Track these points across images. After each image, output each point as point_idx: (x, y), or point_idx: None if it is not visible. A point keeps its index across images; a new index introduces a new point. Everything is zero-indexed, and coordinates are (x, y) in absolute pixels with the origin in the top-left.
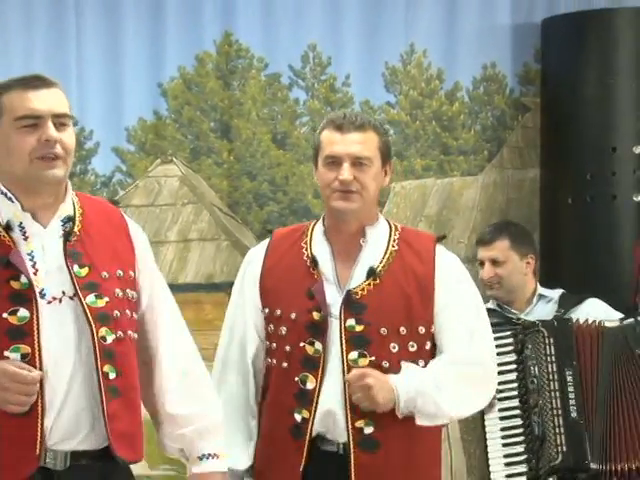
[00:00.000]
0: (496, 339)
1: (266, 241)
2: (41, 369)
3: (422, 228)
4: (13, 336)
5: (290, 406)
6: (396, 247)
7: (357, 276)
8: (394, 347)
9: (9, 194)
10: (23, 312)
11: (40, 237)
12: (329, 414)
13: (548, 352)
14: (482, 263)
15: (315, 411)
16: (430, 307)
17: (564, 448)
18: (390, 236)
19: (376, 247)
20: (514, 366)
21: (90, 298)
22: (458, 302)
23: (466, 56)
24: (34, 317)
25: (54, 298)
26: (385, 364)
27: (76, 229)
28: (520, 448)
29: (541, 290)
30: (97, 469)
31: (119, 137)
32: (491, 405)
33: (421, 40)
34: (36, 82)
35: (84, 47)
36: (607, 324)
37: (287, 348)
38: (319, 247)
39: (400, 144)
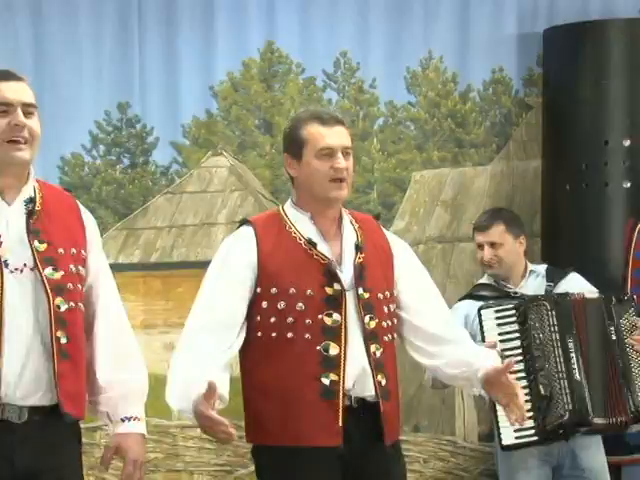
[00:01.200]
0: (499, 311)
1: (248, 229)
2: (1, 332)
3: (439, 212)
4: None
5: (315, 372)
6: (357, 225)
7: (347, 252)
8: (385, 309)
9: None
10: None
11: (5, 214)
12: (358, 374)
13: (551, 322)
14: (481, 246)
15: (344, 373)
16: (392, 273)
17: (570, 406)
18: (349, 217)
19: (348, 227)
20: (517, 334)
21: (48, 270)
22: (415, 267)
23: (477, 61)
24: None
25: (16, 269)
26: (384, 324)
27: (37, 209)
28: (527, 406)
29: (531, 267)
30: (49, 424)
31: (176, 133)
32: None
33: (438, 48)
34: (6, 75)
35: (146, 55)
36: (589, 295)
37: (307, 321)
38: (307, 230)
39: (420, 138)
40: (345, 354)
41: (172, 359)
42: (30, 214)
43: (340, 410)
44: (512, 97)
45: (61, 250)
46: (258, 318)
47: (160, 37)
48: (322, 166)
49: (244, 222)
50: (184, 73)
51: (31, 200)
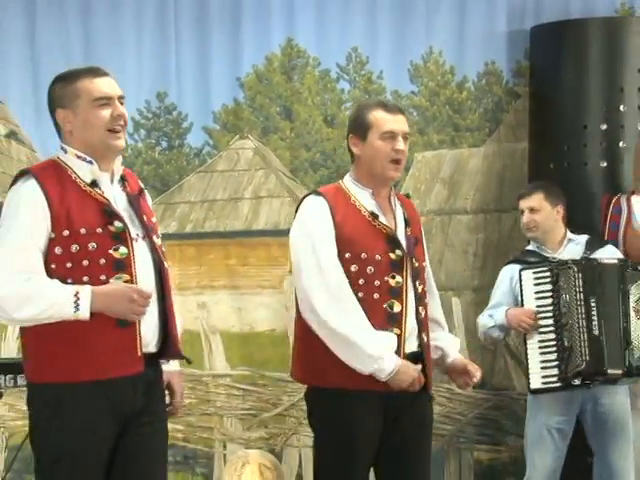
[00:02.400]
0: (536, 272)
1: (321, 200)
2: None
3: (438, 189)
4: (117, 267)
5: (382, 327)
6: (399, 202)
7: (400, 225)
8: (425, 276)
9: (88, 158)
10: (123, 249)
11: (112, 192)
12: (411, 330)
13: (577, 284)
14: (522, 212)
15: (405, 329)
16: (424, 244)
17: (587, 357)
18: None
19: (396, 202)
20: (550, 294)
21: (154, 238)
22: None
23: (472, 55)
24: (131, 253)
25: (135, 238)
26: (425, 289)
27: (127, 187)
28: (553, 356)
29: (570, 235)
30: (154, 369)
31: (207, 119)
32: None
33: (437, 43)
34: (98, 71)
35: (181, 50)
36: (607, 261)
37: (376, 282)
38: (369, 204)
39: (421, 123)
40: (406, 311)
41: (339, 328)
42: (140, 192)
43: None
44: (503, 87)
45: (153, 219)
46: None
47: (194, 34)
48: (384, 147)
49: (313, 193)
50: (214, 66)
51: (122, 178)
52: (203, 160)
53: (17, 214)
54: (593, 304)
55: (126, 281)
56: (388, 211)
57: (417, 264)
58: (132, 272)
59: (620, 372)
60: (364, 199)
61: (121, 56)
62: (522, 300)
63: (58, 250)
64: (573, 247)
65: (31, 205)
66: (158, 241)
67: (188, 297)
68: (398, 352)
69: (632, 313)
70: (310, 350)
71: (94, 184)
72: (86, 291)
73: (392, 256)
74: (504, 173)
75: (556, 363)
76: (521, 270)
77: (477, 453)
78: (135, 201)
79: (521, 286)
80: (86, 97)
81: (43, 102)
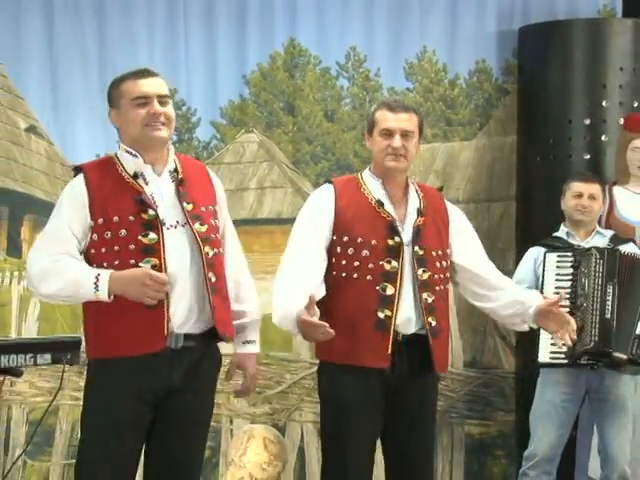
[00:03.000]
0: (560, 256)
1: (329, 187)
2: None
3: (431, 180)
4: (146, 252)
5: (373, 307)
6: (422, 194)
7: (411, 215)
8: (438, 264)
9: (133, 152)
10: (152, 235)
11: (156, 183)
12: (406, 314)
13: (599, 270)
14: (580, 195)
15: (397, 310)
16: (447, 234)
17: (596, 338)
18: (415, 187)
19: (413, 195)
20: (570, 277)
21: (196, 225)
22: (470, 231)
23: (464, 54)
24: (160, 239)
25: (171, 225)
26: (436, 276)
27: (180, 177)
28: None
29: (599, 228)
30: (198, 349)
31: (215, 114)
32: None
33: (431, 43)
34: (144, 73)
35: (190, 49)
36: (634, 254)
37: (370, 265)
38: (378, 193)
39: None
40: (399, 295)
41: (274, 292)
42: (178, 182)
43: (390, 340)
44: (492, 84)
45: (203, 208)
46: (333, 260)
47: (202, 35)
48: (382, 143)
49: (326, 181)
50: (221, 64)
51: (175, 170)
52: (211, 153)
53: (61, 205)
54: (609, 290)
55: (154, 265)
56: (399, 200)
57: (423, 252)
58: (161, 256)
59: (624, 357)
60: (375, 188)
61: (133, 55)
62: (543, 280)
63: (95, 237)
64: (599, 239)
65: (73, 197)
66: (202, 228)
67: None
68: (387, 331)
69: None
70: None
71: (136, 176)
72: (106, 274)
73: (390, 242)
74: (493, 165)
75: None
76: (546, 252)
77: (468, 427)
78: (182, 190)
79: (544, 268)
80: (127, 97)
81: (61, 98)
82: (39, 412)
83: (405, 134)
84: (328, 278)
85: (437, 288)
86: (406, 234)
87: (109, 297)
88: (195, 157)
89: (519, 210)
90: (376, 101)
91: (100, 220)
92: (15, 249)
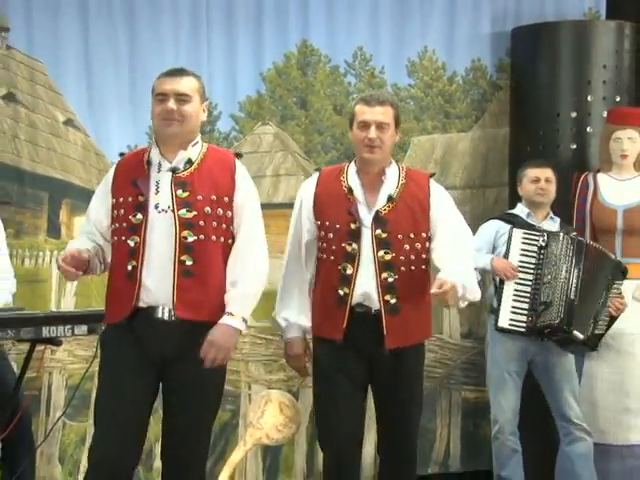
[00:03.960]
0: (527, 234)
1: (315, 175)
2: (144, 253)
3: (431, 167)
4: (132, 230)
5: (335, 285)
6: (404, 181)
7: (380, 201)
8: (406, 246)
9: (154, 143)
10: (139, 216)
11: (162, 171)
12: (365, 291)
13: (568, 254)
14: (537, 180)
15: (353, 289)
16: (427, 219)
17: (561, 315)
18: (399, 174)
19: (391, 181)
20: (535, 255)
21: (182, 211)
22: (449, 217)
23: (461, 53)
24: (144, 220)
25: (163, 210)
26: (402, 257)
27: (192, 168)
28: (525, 305)
29: (551, 214)
30: (187, 323)
31: (234, 108)
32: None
33: (431, 43)
34: (172, 72)
35: (212, 49)
36: (606, 251)
37: (333, 247)
38: (353, 181)
39: (417, 112)
40: (356, 274)
41: (278, 295)
42: (175, 171)
43: (346, 315)
44: (487, 80)
45: (200, 197)
46: (318, 243)
47: (222, 36)
48: (360, 134)
49: (316, 169)
50: (240, 63)
51: (189, 161)
52: (230, 143)
53: (97, 189)
54: (575, 273)
55: (136, 242)
56: (373, 188)
57: (386, 236)
58: (141, 235)
59: (582, 336)
60: (351, 176)
61: (160, 56)
62: (507, 253)
63: (113, 214)
64: (552, 223)
65: (104, 181)
66: (188, 214)
67: None
68: (344, 306)
69: (608, 302)
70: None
71: (149, 163)
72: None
73: (352, 226)
74: (488, 154)
75: (526, 312)
76: (513, 228)
77: (464, 393)
78: (181, 180)
79: (509, 241)
80: (153, 94)
81: (95, 95)
82: (77, 378)
83: (380, 126)
84: (316, 258)
85: (402, 269)
86: (368, 218)
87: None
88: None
89: (511, 195)
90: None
91: (113, 200)
92: (54, 230)
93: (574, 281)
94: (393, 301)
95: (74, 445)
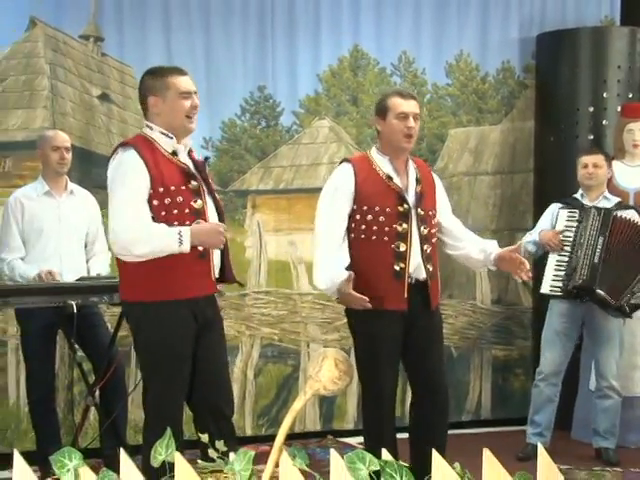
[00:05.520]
0: (570, 212)
1: (349, 165)
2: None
3: (466, 157)
4: (196, 214)
5: (391, 262)
6: (415, 165)
7: (411, 184)
8: (433, 221)
9: (170, 134)
10: (199, 201)
11: (186, 160)
12: (417, 264)
13: (595, 225)
14: (586, 166)
15: (408, 263)
16: (435, 196)
17: (584, 277)
18: (410, 160)
19: (411, 167)
20: (574, 229)
21: (215, 194)
22: (441, 191)
23: (492, 56)
24: (204, 204)
25: (205, 193)
26: (432, 231)
27: (193, 156)
28: (562, 273)
29: (606, 193)
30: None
31: (295, 105)
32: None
33: (466, 47)
34: (182, 70)
35: (276, 54)
36: (630, 217)
37: (386, 229)
38: (388, 168)
39: (454, 107)
40: (410, 250)
41: (316, 256)
42: (193, 161)
43: (405, 287)
44: (515, 80)
45: (210, 179)
46: (352, 225)
47: (285, 43)
48: (399, 125)
49: (344, 160)
50: (300, 65)
51: (190, 150)
52: (292, 135)
53: (125, 177)
54: (601, 242)
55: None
56: (402, 173)
57: (423, 213)
58: (206, 218)
59: (605, 296)
60: (383, 164)
61: (232, 59)
62: (553, 229)
63: (155, 202)
64: (605, 202)
65: (136, 169)
66: (218, 195)
67: (281, 237)
68: (403, 279)
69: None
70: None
71: (174, 153)
72: (186, 230)
73: (400, 209)
74: (515, 145)
75: (562, 278)
76: (560, 209)
77: (494, 352)
78: (201, 166)
79: (556, 220)
80: (174, 90)
81: None
82: None
83: (415, 117)
84: (350, 241)
85: (432, 240)
86: (411, 200)
87: (189, 249)
88: (279, 139)
89: (536, 180)
90: (422, 94)
91: (160, 189)
92: None
93: (598, 247)
94: (431, 269)
95: None
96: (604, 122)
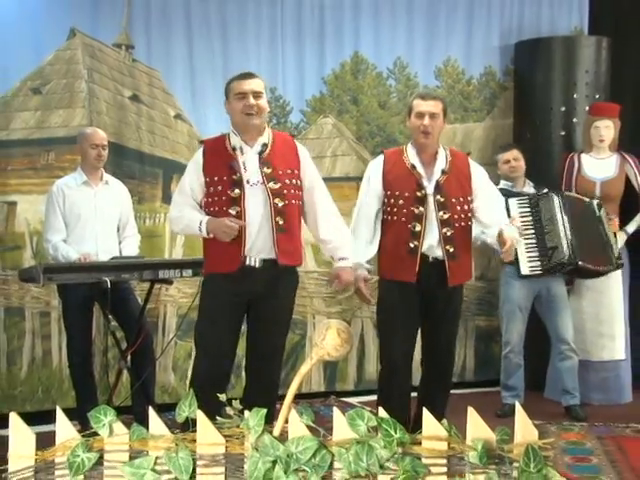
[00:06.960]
0: (519, 200)
1: (381, 157)
2: (245, 219)
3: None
4: (233, 202)
5: (407, 239)
6: (450, 158)
7: (436, 174)
8: (457, 207)
9: (235, 132)
10: (237, 191)
11: (249, 154)
12: (430, 244)
13: (560, 207)
14: (508, 161)
15: (422, 242)
16: (470, 186)
17: (570, 252)
18: (446, 153)
19: (442, 159)
20: (529, 213)
21: (270, 184)
22: (485, 184)
23: (476, 61)
24: (242, 193)
25: (253, 184)
26: (455, 216)
27: (268, 150)
28: (536, 254)
29: (527, 180)
30: (274, 268)
31: (302, 104)
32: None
33: (454, 53)
34: (246, 75)
35: (285, 59)
36: (583, 198)
37: (404, 210)
38: (414, 159)
39: None
40: (424, 231)
41: (350, 233)
42: (261, 153)
43: (417, 262)
44: (496, 82)
45: (280, 171)
46: (384, 208)
47: (293, 49)
48: (416, 123)
49: (381, 152)
50: (307, 69)
51: (265, 145)
52: (299, 131)
53: (187, 169)
54: (567, 219)
55: (237, 211)
56: (429, 164)
57: (444, 200)
58: (242, 206)
59: (590, 265)
60: (412, 155)
61: (247, 64)
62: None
63: (205, 191)
64: (529, 188)
65: (194, 162)
66: (275, 186)
67: None
68: (415, 256)
69: (608, 231)
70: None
71: (234, 148)
72: (205, 220)
73: (418, 194)
74: (496, 140)
75: (538, 258)
76: (507, 199)
77: (477, 321)
78: (264, 159)
79: (508, 210)
80: (232, 93)
81: (198, 95)
82: (184, 309)
83: (432, 116)
84: (381, 220)
85: (456, 225)
86: (430, 187)
87: (208, 235)
88: (290, 134)
89: None
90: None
91: (207, 179)
92: (167, 199)
93: (567, 225)
94: (452, 250)
95: (183, 359)
96: (574, 120)
